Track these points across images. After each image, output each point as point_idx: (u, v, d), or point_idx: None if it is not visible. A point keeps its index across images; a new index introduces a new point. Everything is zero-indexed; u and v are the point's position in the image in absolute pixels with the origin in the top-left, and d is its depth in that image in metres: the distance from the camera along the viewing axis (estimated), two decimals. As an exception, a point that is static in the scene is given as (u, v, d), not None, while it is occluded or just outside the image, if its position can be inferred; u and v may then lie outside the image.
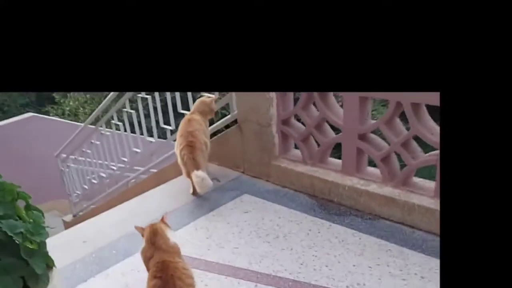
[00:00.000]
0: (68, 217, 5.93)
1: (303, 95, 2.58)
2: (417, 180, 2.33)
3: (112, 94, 4.20)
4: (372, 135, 2.42)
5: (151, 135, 3.97)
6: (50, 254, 2.27)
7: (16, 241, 1.44)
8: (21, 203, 1.60)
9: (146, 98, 3.76)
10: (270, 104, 2.68)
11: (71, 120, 9.39)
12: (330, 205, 2.50)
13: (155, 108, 3.71)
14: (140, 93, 3.79)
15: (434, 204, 2.14)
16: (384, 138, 2.38)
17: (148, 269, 1.73)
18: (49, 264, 1.58)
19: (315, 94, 2.49)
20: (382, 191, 2.32)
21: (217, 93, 3.14)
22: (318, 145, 2.66)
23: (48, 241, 2.47)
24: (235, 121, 2.99)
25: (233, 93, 2.92)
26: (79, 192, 5.60)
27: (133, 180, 4.44)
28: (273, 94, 2.66)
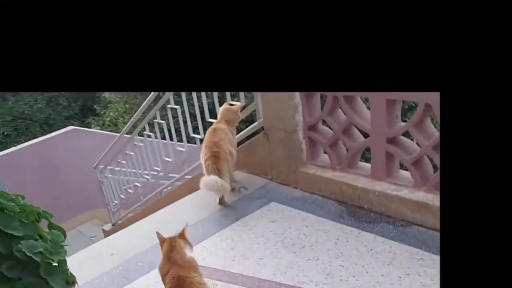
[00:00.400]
0: (108, 226, 6.05)
1: (328, 100, 2.51)
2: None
3: (144, 105, 4.25)
4: (403, 138, 2.32)
5: (181, 145, 3.98)
6: (80, 267, 2.31)
7: (37, 260, 1.46)
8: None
9: (176, 108, 3.77)
10: (295, 110, 2.62)
11: (111, 131, 9.59)
12: (359, 212, 2.41)
13: (185, 118, 3.73)
14: (169, 103, 3.80)
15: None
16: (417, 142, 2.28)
17: (164, 285, 1.70)
18: (69, 280, 1.58)
19: (341, 98, 2.42)
20: (414, 196, 2.21)
21: (242, 100, 3.11)
22: (347, 150, 2.57)
23: (79, 254, 2.52)
24: (262, 128, 2.94)
25: (259, 100, 2.87)
26: (116, 202, 5.70)
27: (166, 189, 4.46)
28: (298, 100, 2.60)
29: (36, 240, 1.49)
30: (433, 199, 2.15)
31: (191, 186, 3.49)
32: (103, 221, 6.96)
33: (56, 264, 1.49)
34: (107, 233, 5.80)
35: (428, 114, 2.17)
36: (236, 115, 2.89)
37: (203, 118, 3.52)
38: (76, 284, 1.63)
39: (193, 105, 3.58)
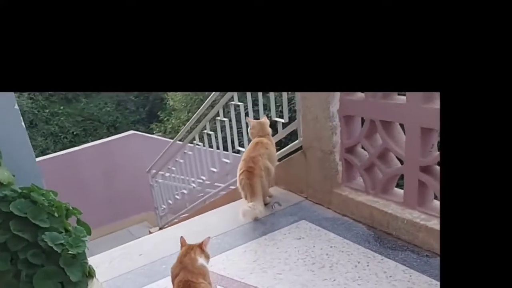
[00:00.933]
0: (154, 229, 6.25)
1: (366, 124, 2.51)
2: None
3: (195, 116, 4.40)
4: (437, 168, 2.28)
5: (227, 156, 4.09)
6: (110, 263, 2.44)
7: (57, 251, 1.59)
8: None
9: (224, 121, 3.88)
10: (333, 131, 2.64)
11: (171, 137, 9.91)
12: (386, 238, 2.38)
13: (232, 131, 3.83)
14: (218, 116, 3.92)
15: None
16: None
17: (173, 286, 1.78)
18: (87, 273, 1.68)
19: (378, 123, 2.41)
20: (442, 228, 2.17)
21: (286, 118, 3.17)
22: (382, 175, 2.56)
23: (111, 251, 2.65)
24: (301, 147, 2.98)
25: (300, 120, 2.91)
26: (164, 206, 5.88)
27: (209, 198, 4.57)
28: (337, 122, 2.62)
29: (61, 233, 1.61)
30: (461, 232, 2.10)
31: (232, 197, 3.58)
32: (153, 224, 7.19)
33: (75, 256, 1.60)
34: (153, 236, 6.00)
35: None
36: (269, 128, 2.98)
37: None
38: (94, 277, 1.73)
39: (240, 121, 3.69)
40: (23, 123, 1.80)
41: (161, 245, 2.64)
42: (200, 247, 1.91)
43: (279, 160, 3.17)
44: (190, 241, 1.96)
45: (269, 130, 3.00)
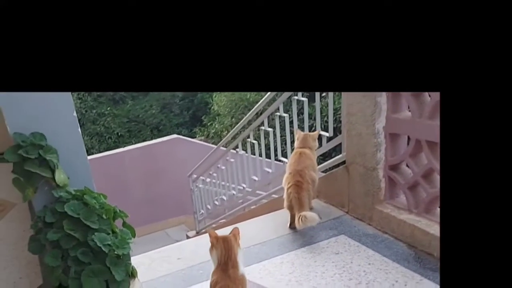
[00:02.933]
0: (192, 233, 6.36)
1: (412, 143, 2.50)
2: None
3: (240, 124, 4.47)
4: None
5: (269, 165, 4.13)
6: (150, 264, 2.52)
7: (105, 251, 1.67)
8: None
9: (268, 131, 3.93)
10: (377, 148, 2.64)
11: (213, 142, 10.05)
12: (427, 259, 2.36)
13: (275, 141, 3.88)
14: (263, 126, 3.97)
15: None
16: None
17: None
18: (130, 273, 1.76)
19: (424, 143, 2.40)
20: (484, 252, 2.14)
21: (331, 132, 3.19)
22: (426, 195, 2.53)
23: (152, 253, 2.73)
24: (344, 162, 2.98)
25: (345, 135, 2.92)
26: (203, 211, 5.97)
27: (249, 206, 4.62)
28: (381, 139, 2.62)
29: (108, 234, 1.69)
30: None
31: (273, 207, 3.61)
32: (190, 228, 7.31)
33: (120, 256, 1.67)
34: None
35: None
36: (315, 141, 2.99)
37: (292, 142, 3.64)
38: (136, 277, 1.81)
39: (284, 129, 3.72)
40: (79, 129, 1.89)
41: (199, 250, 2.69)
42: (235, 236, 1.93)
43: (322, 172, 3.19)
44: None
45: (315, 143, 3.02)
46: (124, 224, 1.87)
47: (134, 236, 1.85)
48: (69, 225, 1.66)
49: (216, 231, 1.99)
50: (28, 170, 1.70)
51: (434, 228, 2.39)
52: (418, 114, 2.38)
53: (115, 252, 1.69)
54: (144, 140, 12.65)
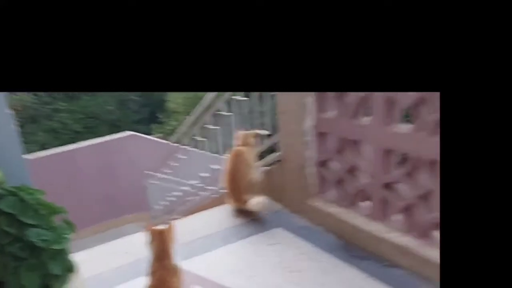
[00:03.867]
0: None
1: (337, 141, 2.69)
2: (437, 233, 2.32)
3: (186, 122, 4.60)
4: (399, 186, 2.45)
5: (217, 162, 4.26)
6: (96, 259, 2.60)
7: (41, 247, 1.75)
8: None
9: (212, 129, 4.07)
10: (308, 146, 2.82)
11: (170, 140, 10.11)
12: (353, 248, 2.56)
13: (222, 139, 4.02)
14: (207, 124, 4.10)
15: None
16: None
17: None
18: (70, 268, 1.86)
19: (348, 141, 2.59)
20: (402, 241, 2.35)
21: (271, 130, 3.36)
22: (352, 189, 2.74)
23: (98, 248, 2.82)
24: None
25: (280, 133, 3.09)
26: (158, 208, 6.06)
27: (200, 202, 4.75)
28: (312, 138, 2.80)
29: (45, 230, 1.79)
30: (416, 246, 2.28)
31: (219, 203, 3.76)
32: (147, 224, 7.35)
33: (57, 251, 1.78)
34: (145, 236, 6.17)
35: (419, 167, 2.30)
36: (253, 139, 3.17)
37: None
38: (76, 272, 1.90)
39: (229, 127, 3.87)
40: (14, 126, 1.95)
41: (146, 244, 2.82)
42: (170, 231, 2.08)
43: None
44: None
45: (253, 141, 3.17)
46: (63, 219, 1.95)
47: (73, 231, 1.94)
48: (5, 221, 1.73)
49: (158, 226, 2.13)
50: (-40, 166, 1.77)
51: (359, 220, 2.60)
52: (342, 113, 2.57)
53: (52, 247, 1.77)
54: (101, 136, 12.56)
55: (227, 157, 3.16)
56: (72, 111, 13.39)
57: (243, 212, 3.09)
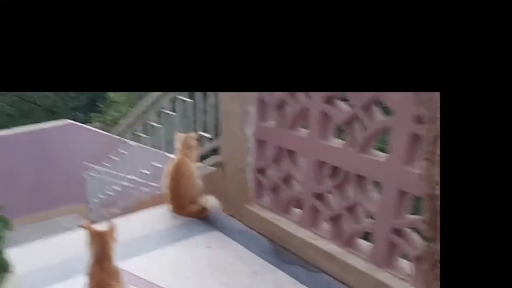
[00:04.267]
0: (85, 222, 6.32)
1: (275, 149, 2.84)
2: (361, 242, 2.52)
3: (130, 116, 4.61)
4: (328, 196, 2.62)
5: (158, 160, 4.31)
6: (28, 257, 2.58)
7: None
8: None
9: (160, 128, 4.12)
10: (247, 153, 2.95)
11: (109, 130, 9.97)
12: (283, 253, 2.73)
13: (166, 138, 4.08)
14: (151, 121, 4.15)
15: (367, 268, 2.35)
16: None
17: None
18: (5, 268, 1.87)
19: (285, 150, 2.75)
20: (327, 248, 2.53)
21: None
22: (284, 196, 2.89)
23: (32, 244, 2.81)
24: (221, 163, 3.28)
25: (222, 137, 3.21)
26: (96, 201, 6.01)
27: (139, 198, 4.79)
28: (251, 145, 2.93)
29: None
30: (341, 253, 2.47)
31: (160, 201, 3.82)
32: (83, 216, 7.25)
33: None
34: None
35: (348, 181, 2.48)
36: (195, 142, 3.24)
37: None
38: (12, 272, 1.92)
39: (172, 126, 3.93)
40: None
41: (79, 243, 2.84)
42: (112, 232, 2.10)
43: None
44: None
45: (194, 143, 3.26)
46: (-2, 216, 1.93)
47: (9, 228, 1.93)
48: None
49: (94, 225, 2.16)
50: None
51: (290, 226, 2.77)
52: (281, 124, 2.72)
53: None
54: (36, 122, 12.11)
55: (169, 165, 3.25)
56: (5, 93, 12.84)
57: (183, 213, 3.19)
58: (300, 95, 2.60)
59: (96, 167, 5.86)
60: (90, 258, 2.10)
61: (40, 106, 13.24)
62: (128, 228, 3.07)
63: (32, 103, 13.14)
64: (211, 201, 3.12)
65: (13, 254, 1.97)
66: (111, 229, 2.12)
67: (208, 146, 3.56)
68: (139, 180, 4.77)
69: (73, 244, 2.83)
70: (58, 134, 7.76)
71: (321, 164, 2.55)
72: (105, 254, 2.08)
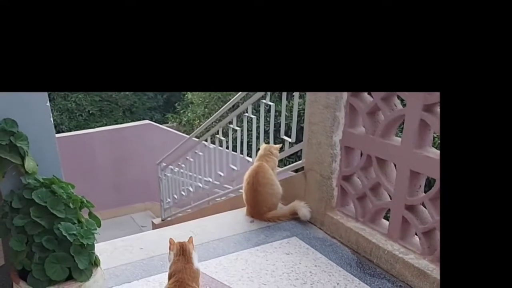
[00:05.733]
0: (157, 220, 6.47)
1: (363, 157, 2.69)
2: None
3: (210, 119, 4.62)
4: (421, 208, 2.45)
5: (235, 162, 4.28)
6: (111, 253, 2.64)
7: (69, 240, 1.79)
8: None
9: (236, 130, 4.08)
10: (333, 159, 2.82)
11: (185, 131, 10.16)
12: (368, 265, 2.57)
13: (242, 140, 4.03)
14: (231, 124, 4.12)
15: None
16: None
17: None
18: (93, 262, 1.88)
19: (374, 158, 2.59)
20: (418, 263, 2.35)
21: (293, 138, 3.37)
22: (372, 206, 2.74)
23: (114, 241, 2.86)
24: (303, 168, 3.17)
25: (306, 142, 3.10)
26: (170, 200, 6.09)
27: (213, 200, 4.78)
28: (337, 151, 2.80)
29: (74, 223, 1.82)
30: (434, 269, 2.28)
31: (234, 204, 3.78)
32: (156, 215, 7.42)
33: (84, 246, 1.81)
34: (155, 226, 6.24)
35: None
36: (277, 151, 3.25)
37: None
38: (99, 266, 1.94)
39: (251, 129, 3.88)
40: (51, 119, 1.99)
41: (161, 242, 2.83)
42: (191, 242, 2.12)
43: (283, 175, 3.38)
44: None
45: (276, 153, 3.25)
46: (90, 214, 1.98)
47: (99, 226, 1.98)
48: (36, 212, 1.77)
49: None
50: (-2, 155, 1.79)
51: (376, 238, 2.60)
52: (371, 131, 2.57)
53: (80, 241, 1.80)
54: (115, 121, 12.63)
55: (248, 170, 3.21)
56: (88, 93, 13.36)
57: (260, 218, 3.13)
58: (396, 102, 2.45)
59: (171, 167, 5.92)
60: (171, 259, 2.09)
61: (119, 106, 13.67)
62: (205, 229, 3.04)
63: (112, 103, 13.59)
64: (302, 209, 3.04)
65: (96, 249, 1.97)
66: (190, 241, 2.15)
67: (289, 150, 3.45)
68: (214, 182, 4.75)
69: (154, 243, 2.85)
70: (136, 134, 8.05)
71: (415, 174, 2.37)
72: (185, 256, 2.07)
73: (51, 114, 2.01)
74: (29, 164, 1.87)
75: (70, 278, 1.81)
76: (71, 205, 1.86)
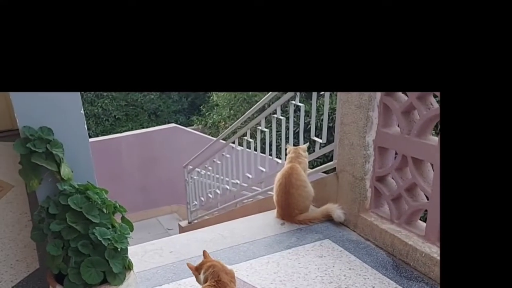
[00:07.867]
0: (184, 223, 6.48)
1: (398, 157, 2.63)
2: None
3: (238, 121, 4.59)
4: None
5: (263, 164, 4.24)
6: (142, 256, 2.64)
7: (104, 244, 1.79)
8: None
9: (264, 131, 4.05)
10: (366, 159, 2.77)
11: (210, 133, 10.19)
12: (404, 268, 2.50)
13: (271, 142, 4.00)
14: (260, 125, 4.08)
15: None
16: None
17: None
18: (127, 266, 1.88)
19: (410, 159, 2.53)
20: (458, 267, 2.27)
21: (324, 139, 3.32)
22: (408, 207, 2.67)
23: (145, 244, 2.86)
24: (335, 169, 3.11)
25: (337, 143, 3.05)
26: (196, 202, 6.08)
27: (240, 203, 4.75)
28: (371, 152, 2.74)
29: (108, 228, 1.81)
30: (475, 274, 2.20)
31: (262, 206, 3.75)
32: (182, 217, 7.45)
33: (118, 250, 1.80)
34: (182, 229, 6.24)
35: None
36: (305, 152, 3.23)
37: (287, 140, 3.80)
38: (132, 270, 1.93)
39: (280, 130, 3.85)
40: (85, 126, 2.00)
41: (191, 245, 2.83)
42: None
43: (313, 176, 3.33)
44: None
45: (305, 154, 3.22)
46: (123, 218, 1.98)
47: (132, 230, 1.98)
48: (72, 218, 1.78)
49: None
50: (35, 162, 1.81)
51: (413, 239, 2.53)
52: (406, 131, 2.51)
53: (114, 246, 1.80)
54: (141, 125, 12.74)
55: (279, 173, 3.19)
56: (114, 98, 13.54)
57: (291, 221, 3.09)
58: (432, 101, 2.38)
59: (198, 169, 5.92)
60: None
61: (145, 110, 13.78)
62: (235, 232, 3.01)
63: (138, 107, 13.70)
64: (336, 211, 3.01)
65: (129, 253, 1.97)
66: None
67: (320, 151, 3.40)
68: (242, 184, 4.72)
69: (184, 246, 2.84)
70: (163, 137, 8.11)
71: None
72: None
73: (85, 121, 2.01)
74: (64, 170, 1.87)
75: (104, 281, 1.81)
76: (105, 210, 1.86)
